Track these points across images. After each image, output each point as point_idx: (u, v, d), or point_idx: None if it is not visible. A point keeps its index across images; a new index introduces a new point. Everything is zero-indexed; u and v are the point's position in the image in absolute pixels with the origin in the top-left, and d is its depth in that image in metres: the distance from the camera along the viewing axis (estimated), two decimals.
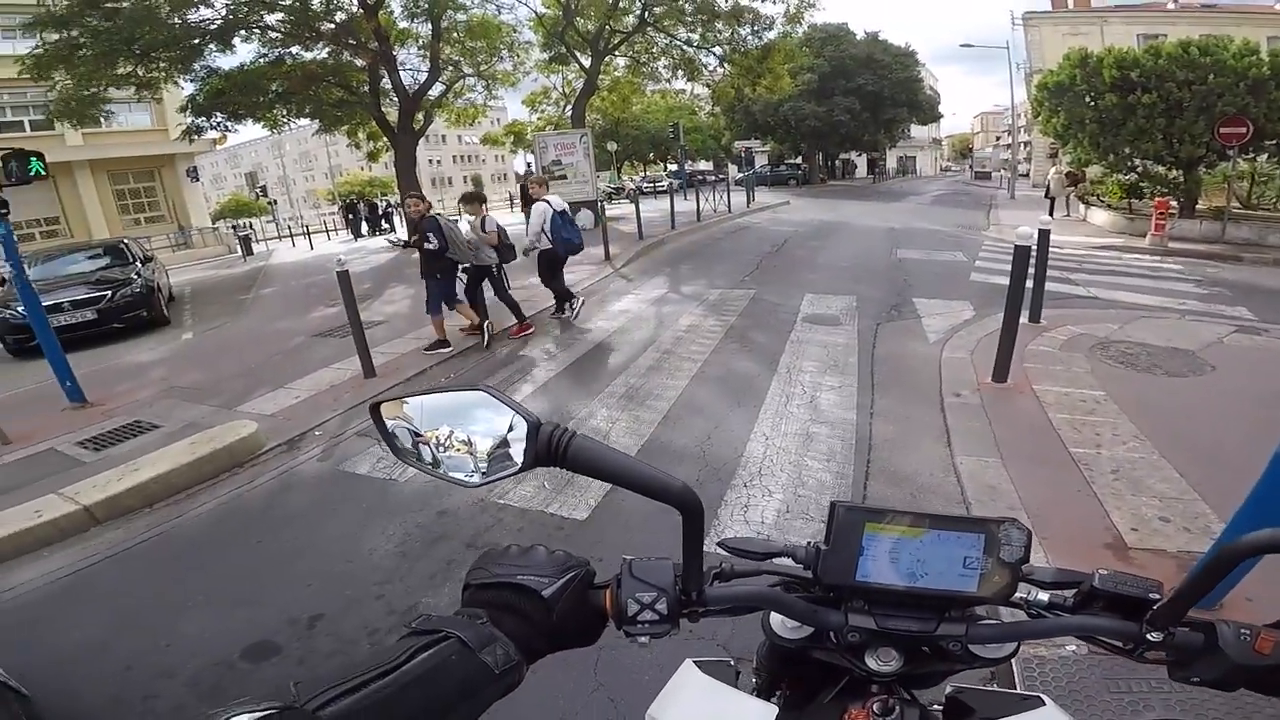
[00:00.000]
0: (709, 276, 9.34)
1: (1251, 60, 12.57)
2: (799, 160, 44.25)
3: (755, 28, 19.77)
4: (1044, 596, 0.74)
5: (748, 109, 35.97)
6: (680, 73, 22.09)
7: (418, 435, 0.70)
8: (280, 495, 3.96)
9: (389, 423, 0.71)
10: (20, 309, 6.85)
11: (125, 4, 13.04)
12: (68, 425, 5.21)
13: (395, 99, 18.29)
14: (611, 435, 4.24)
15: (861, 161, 54.83)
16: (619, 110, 30.15)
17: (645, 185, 36.05)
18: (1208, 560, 0.63)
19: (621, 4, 19.37)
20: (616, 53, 21.52)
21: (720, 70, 21.77)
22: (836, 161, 50.51)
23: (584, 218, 15.30)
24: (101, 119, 16.29)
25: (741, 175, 30.19)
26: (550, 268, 6.87)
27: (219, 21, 14.99)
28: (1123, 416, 4.05)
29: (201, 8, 14.66)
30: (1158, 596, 0.68)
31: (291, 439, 4.66)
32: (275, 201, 29.97)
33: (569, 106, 23.55)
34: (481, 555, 0.72)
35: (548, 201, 6.61)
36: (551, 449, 0.62)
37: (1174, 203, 13.26)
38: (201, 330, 9.37)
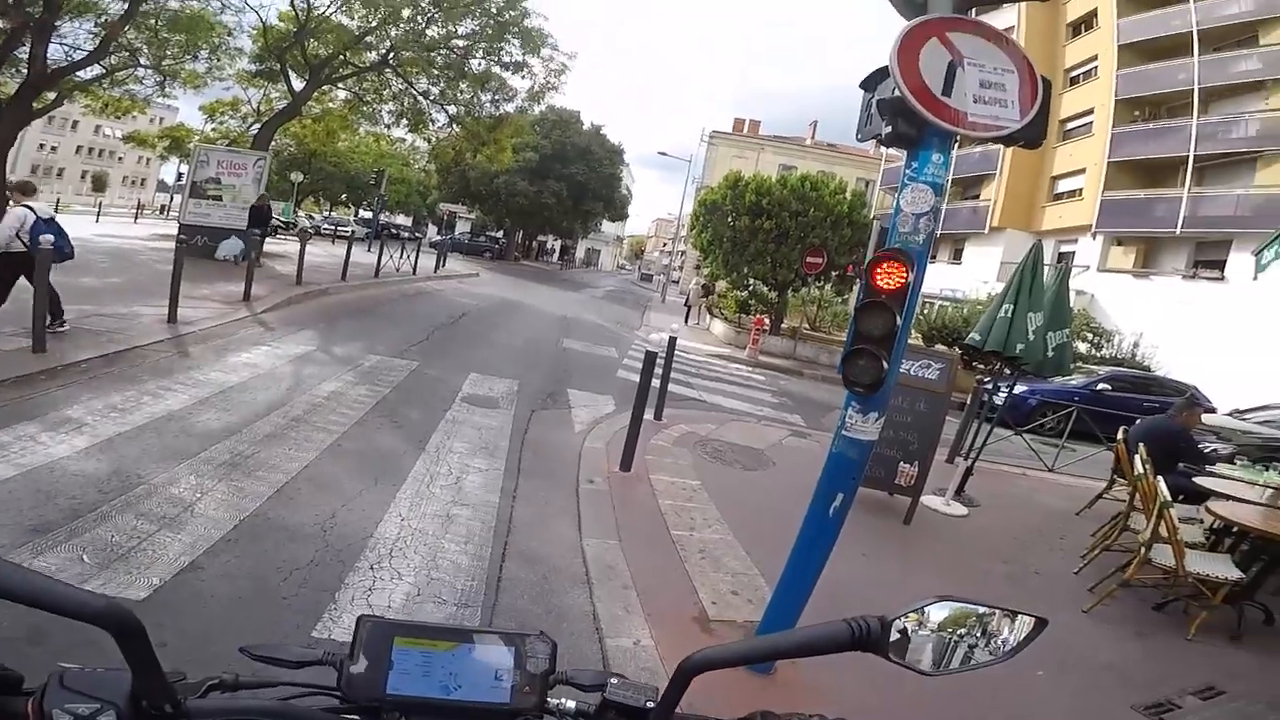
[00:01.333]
0: (370, 340, 8.67)
1: (839, 198, 16.50)
2: (500, 234, 44.89)
3: (497, 96, 19.57)
4: (571, 705, 0.77)
5: (464, 173, 35.25)
6: (404, 121, 20.63)
7: None
8: None
9: None
10: None
11: None
12: None
13: (24, 70, 13.53)
14: (199, 508, 3.45)
15: (556, 246, 58.32)
16: (319, 142, 27.12)
17: (326, 227, 32.97)
18: (671, 677, 0.73)
19: (368, 39, 17.67)
20: (340, 85, 19.47)
21: (448, 129, 20.91)
22: (534, 242, 52.41)
23: (231, 246, 13.08)
24: None
25: (439, 238, 29.46)
26: (17, 273, 6.22)
27: None
28: (711, 504, 4.91)
29: None
30: (653, 705, 0.75)
31: None
32: None
33: (259, 124, 20.27)
34: None
35: (29, 208, 6.18)
36: None
37: (767, 320, 16.62)
38: None
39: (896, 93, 2.23)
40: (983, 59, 2.31)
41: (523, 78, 19.23)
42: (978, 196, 26.88)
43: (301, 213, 37.76)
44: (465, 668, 0.71)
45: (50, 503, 3.24)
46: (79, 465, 3.71)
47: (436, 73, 18.75)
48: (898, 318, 2.33)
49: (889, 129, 2.35)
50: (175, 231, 13.31)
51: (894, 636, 0.67)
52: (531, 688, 0.73)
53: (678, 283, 41.09)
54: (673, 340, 6.97)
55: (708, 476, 5.56)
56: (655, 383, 5.95)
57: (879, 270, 2.33)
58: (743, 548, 4.21)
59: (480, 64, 18.84)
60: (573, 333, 13.52)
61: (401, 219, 49.05)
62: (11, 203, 6.33)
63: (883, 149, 32.86)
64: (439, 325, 11.04)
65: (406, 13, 17.23)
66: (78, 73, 14.99)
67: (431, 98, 19.56)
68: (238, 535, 3.28)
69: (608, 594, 3.40)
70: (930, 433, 5.36)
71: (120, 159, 65.53)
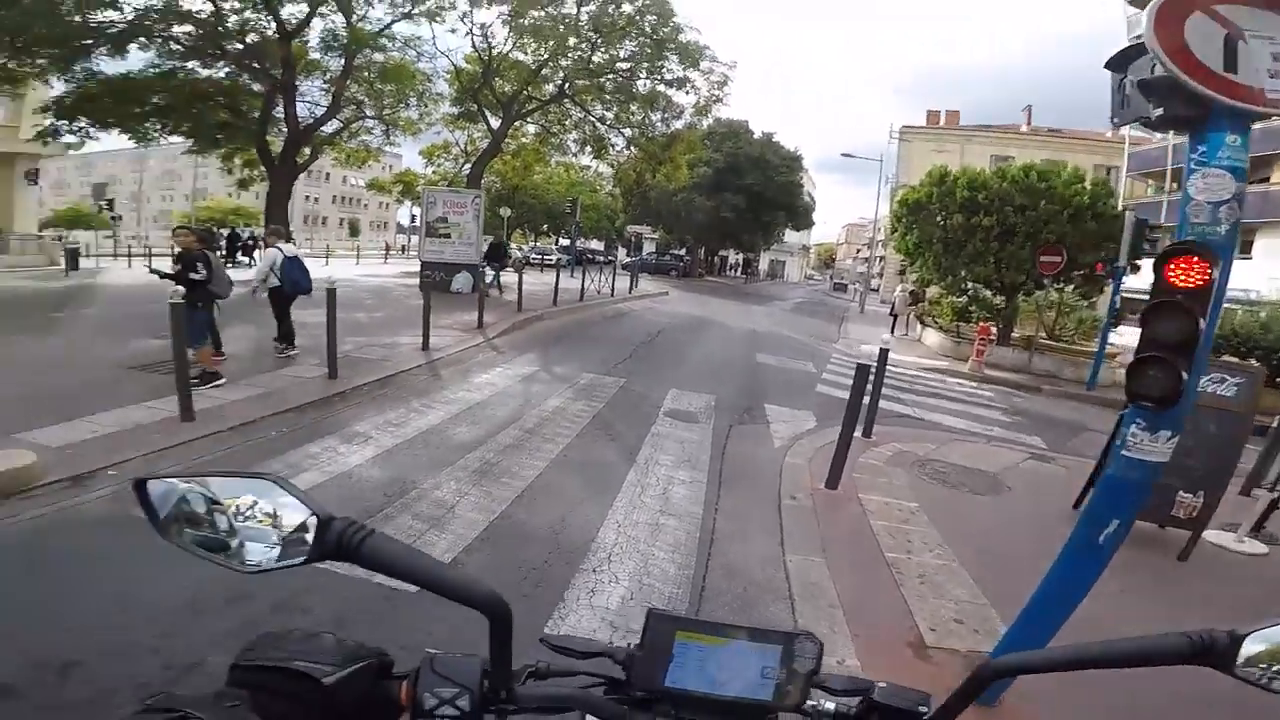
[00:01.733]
0: (583, 360, 9.44)
1: (1077, 188, 13.81)
2: (683, 251, 45.68)
3: (666, 115, 20.76)
4: (830, 706, 0.78)
5: (645, 194, 36.60)
6: (588, 148, 22.47)
7: (214, 503, 0.65)
8: (52, 534, 3.38)
9: (160, 497, 0.66)
10: None
11: None
12: None
13: (284, 129, 17.41)
14: (458, 509, 4.03)
15: (738, 260, 57.84)
16: (519, 177, 30.39)
17: (534, 256, 36.01)
18: (964, 680, 0.70)
19: (544, 72, 19.79)
20: (529, 119, 21.84)
21: (626, 152, 22.41)
22: (716, 257, 52.38)
23: (462, 280, 15.03)
24: None
25: (629, 260, 31.14)
26: (280, 305, 7.58)
27: (122, 26, 13.80)
28: (932, 527, 4.53)
29: (109, 9, 13.50)
30: (925, 710, 0.73)
31: (79, 475, 3.98)
32: (119, 217, 26.85)
33: (468, 164, 23.44)
34: (259, 636, 0.68)
35: (279, 249, 7.45)
36: (342, 544, 0.61)
37: (994, 329, 14.40)
38: None
39: (1162, 71, 2.01)
40: (1270, 30, 2.03)
41: (687, 93, 20.08)
42: (1267, 179, 21.39)
43: (513, 244, 42.25)
44: (736, 663, 0.73)
45: (351, 504, 3.98)
46: (368, 472, 4.56)
47: (608, 97, 20.22)
48: (1200, 321, 2.01)
49: (1160, 111, 2.12)
50: (418, 269, 15.76)
51: (1243, 651, 0.62)
52: (795, 686, 0.73)
53: (877, 290, 38.29)
54: (884, 352, 6.56)
55: (927, 498, 5.13)
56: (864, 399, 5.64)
57: (1173, 267, 2.06)
58: (970, 575, 3.82)
59: (645, 84, 20.01)
60: (764, 347, 13.37)
61: (595, 244, 52.34)
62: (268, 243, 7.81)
63: (1123, 131, 27.61)
64: (639, 344, 11.64)
65: (572, 41, 18.73)
66: (322, 128, 18.49)
67: (608, 123, 21.04)
68: (488, 535, 3.76)
69: (811, 610, 3.30)
70: (1222, 458, 4.43)
71: (365, 205, 78.45)
